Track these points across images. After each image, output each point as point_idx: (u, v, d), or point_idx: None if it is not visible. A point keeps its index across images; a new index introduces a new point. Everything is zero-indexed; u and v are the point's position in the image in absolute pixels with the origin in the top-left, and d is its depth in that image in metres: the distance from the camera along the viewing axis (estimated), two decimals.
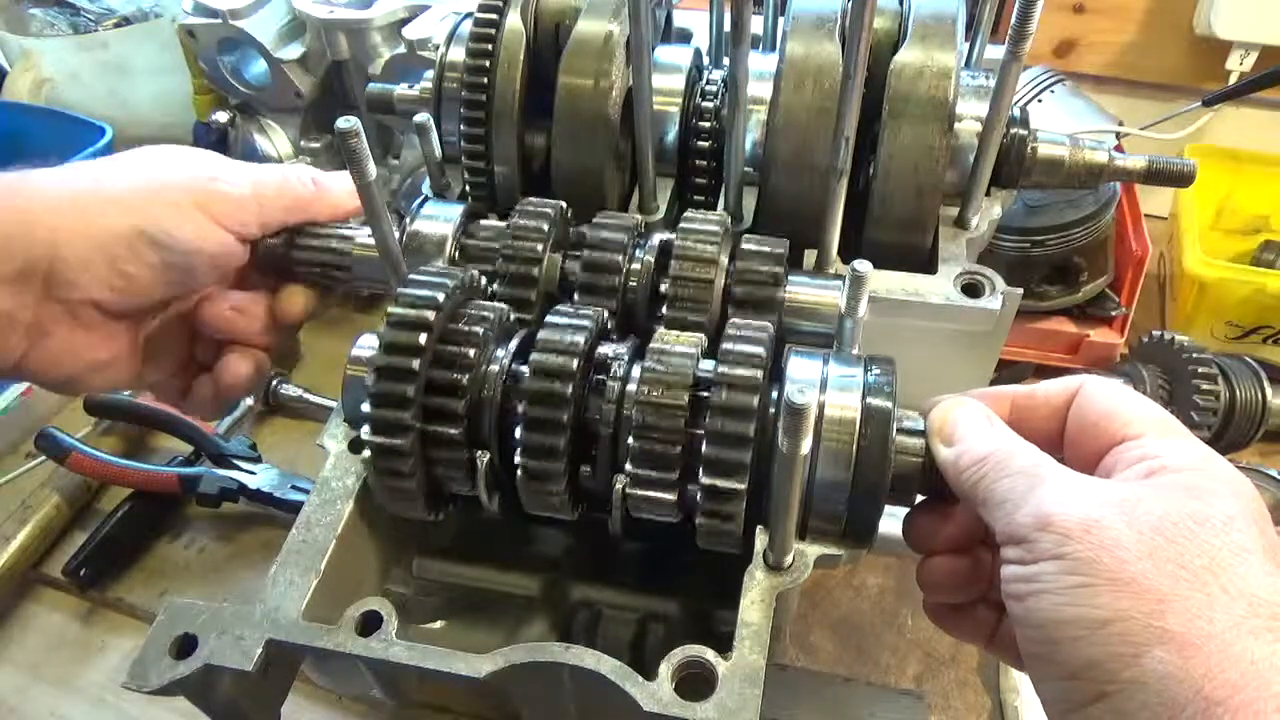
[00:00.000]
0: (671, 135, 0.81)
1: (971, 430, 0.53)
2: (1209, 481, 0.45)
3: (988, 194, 0.77)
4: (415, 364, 0.58)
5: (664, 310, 0.68)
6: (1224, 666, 0.39)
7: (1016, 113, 0.78)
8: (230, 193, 0.68)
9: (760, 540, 0.58)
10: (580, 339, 0.60)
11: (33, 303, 0.63)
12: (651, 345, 0.60)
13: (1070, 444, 0.53)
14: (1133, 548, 0.42)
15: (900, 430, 0.57)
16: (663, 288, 0.69)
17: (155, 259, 0.65)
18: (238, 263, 0.71)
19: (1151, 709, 0.40)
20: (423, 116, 0.75)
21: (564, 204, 0.74)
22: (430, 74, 0.83)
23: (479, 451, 0.61)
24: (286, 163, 1.27)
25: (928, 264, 0.74)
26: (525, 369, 0.60)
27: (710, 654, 0.53)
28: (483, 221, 0.77)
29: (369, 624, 0.56)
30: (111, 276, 0.64)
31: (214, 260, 0.69)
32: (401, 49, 1.14)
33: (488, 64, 0.78)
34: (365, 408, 0.59)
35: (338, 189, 0.75)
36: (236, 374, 0.76)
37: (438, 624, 0.74)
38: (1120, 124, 1.32)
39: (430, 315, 0.59)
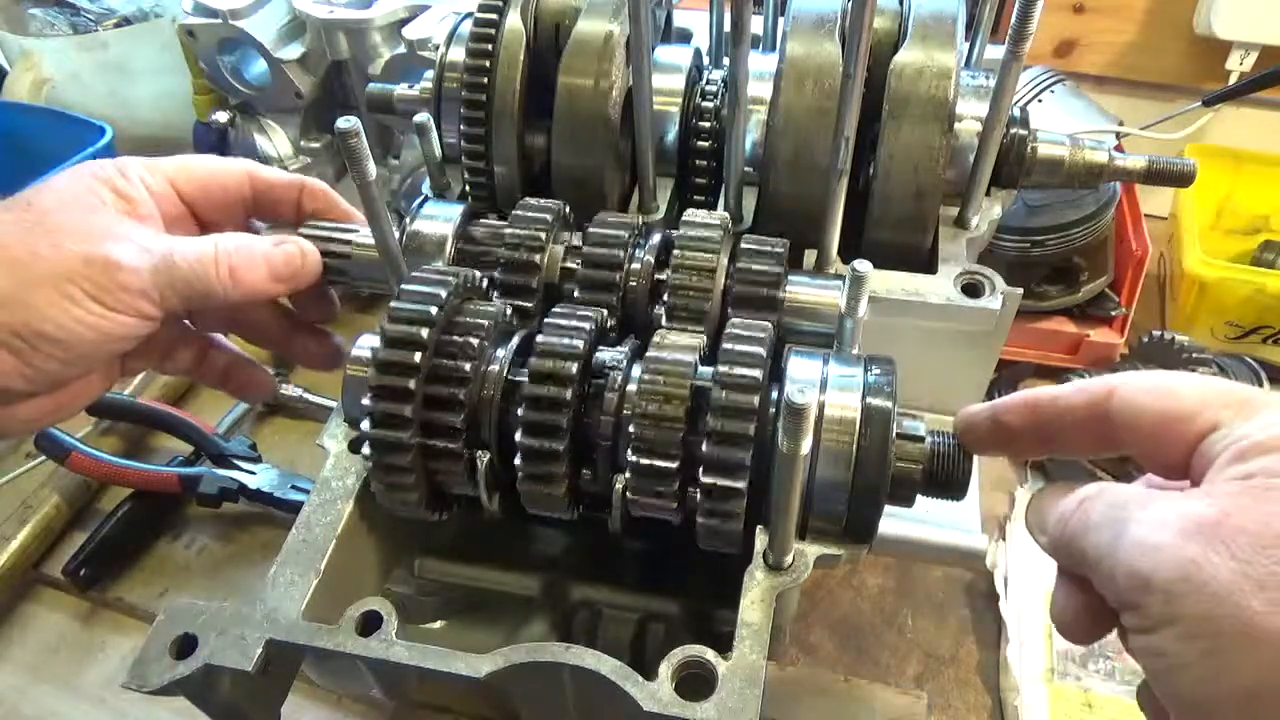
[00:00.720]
0: (671, 135, 0.81)
1: (1056, 500, 0.49)
2: None
3: (988, 194, 0.77)
4: (411, 384, 0.58)
5: (664, 308, 0.68)
6: None
7: (1016, 113, 0.78)
8: (129, 283, 0.61)
9: (760, 540, 0.58)
10: (579, 344, 0.60)
11: None
12: (650, 352, 0.60)
13: (1145, 459, 0.48)
14: (1244, 587, 0.36)
15: (900, 431, 0.57)
16: (662, 286, 0.69)
17: (53, 350, 0.60)
18: (147, 331, 0.64)
19: None
20: (423, 116, 0.75)
21: (564, 204, 0.74)
22: (430, 74, 0.83)
23: (479, 452, 0.61)
24: (289, 167, 1.28)
25: (928, 264, 0.74)
26: (525, 371, 0.60)
27: (710, 654, 0.53)
28: (483, 221, 0.77)
29: (369, 624, 0.56)
30: (17, 369, 0.60)
31: (121, 342, 0.63)
32: (401, 49, 1.14)
33: (488, 64, 0.78)
34: (365, 426, 0.59)
35: (252, 279, 0.67)
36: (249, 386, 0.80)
37: (438, 624, 0.74)
38: (1120, 124, 1.33)
39: (424, 332, 0.58)
